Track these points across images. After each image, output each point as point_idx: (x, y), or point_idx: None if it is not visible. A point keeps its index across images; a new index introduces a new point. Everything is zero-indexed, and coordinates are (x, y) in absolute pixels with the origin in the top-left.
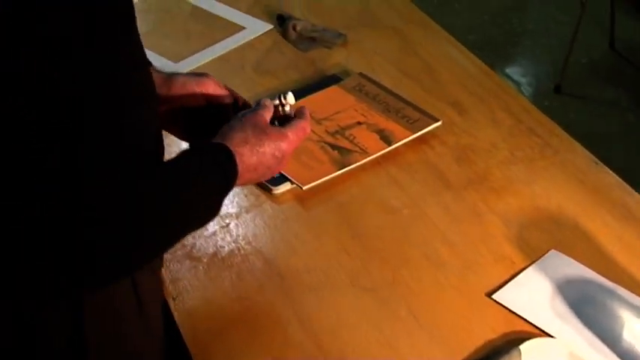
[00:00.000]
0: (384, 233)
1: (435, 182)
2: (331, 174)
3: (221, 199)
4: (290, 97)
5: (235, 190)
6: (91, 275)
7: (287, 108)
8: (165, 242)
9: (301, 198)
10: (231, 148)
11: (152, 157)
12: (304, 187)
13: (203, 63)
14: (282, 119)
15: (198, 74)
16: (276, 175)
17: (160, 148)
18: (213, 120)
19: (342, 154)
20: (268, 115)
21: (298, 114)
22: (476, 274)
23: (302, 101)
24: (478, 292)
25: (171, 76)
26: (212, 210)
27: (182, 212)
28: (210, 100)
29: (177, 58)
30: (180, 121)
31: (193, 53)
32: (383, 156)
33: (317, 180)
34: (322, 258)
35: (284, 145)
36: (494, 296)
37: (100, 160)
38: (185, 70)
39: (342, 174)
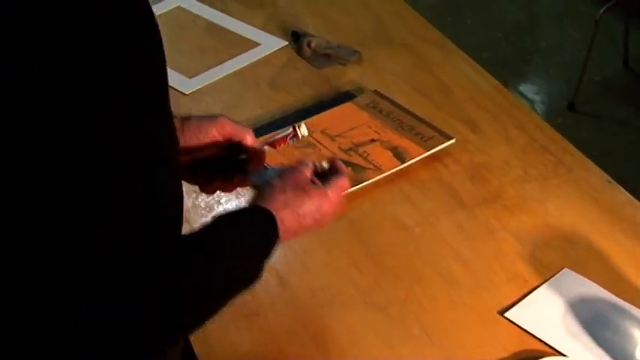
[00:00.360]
0: (396, 250)
1: (448, 200)
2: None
3: (262, 264)
4: (304, 129)
5: None
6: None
7: (325, 164)
8: (206, 311)
9: None
10: (273, 212)
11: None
12: None
13: (217, 79)
14: (317, 175)
15: (211, 115)
16: None
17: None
18: (231, 161)
19: (355, 171)
20: (309, 171)
21: (334, 168)
22: (489, 292)
23: (316, 118)
24: (491, 310)
25: (184, 122)
26: (253, 274)
27: (222, 279)
28: (230, 139)
29: (191, 74)
30: (198, 167)
31: (208, 69)
32: (396, 173)
33: None
34: (334, 274)
35: (325, 207)
36: (506, 314)
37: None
38: (200, 86)
39: (355, 191)
